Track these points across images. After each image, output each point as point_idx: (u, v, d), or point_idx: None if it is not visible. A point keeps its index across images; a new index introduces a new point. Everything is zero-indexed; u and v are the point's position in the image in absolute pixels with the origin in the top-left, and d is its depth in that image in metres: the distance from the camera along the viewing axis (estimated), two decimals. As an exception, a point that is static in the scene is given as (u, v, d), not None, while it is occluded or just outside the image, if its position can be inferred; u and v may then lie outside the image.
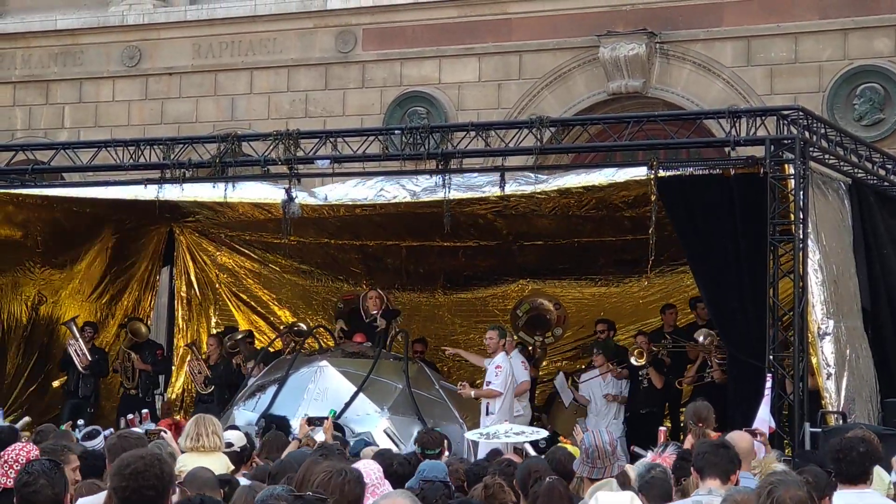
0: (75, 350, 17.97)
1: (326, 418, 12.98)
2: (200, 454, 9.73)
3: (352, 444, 12.09)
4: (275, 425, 13.86)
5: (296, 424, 13.79)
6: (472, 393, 15.15)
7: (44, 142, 21.54)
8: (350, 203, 16.10)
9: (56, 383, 18.51)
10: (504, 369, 14.94)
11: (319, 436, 12.59)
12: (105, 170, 16.71)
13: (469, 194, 15.12)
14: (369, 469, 6.96)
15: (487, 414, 14.89)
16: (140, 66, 23.52)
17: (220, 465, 9.67)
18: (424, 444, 10.57)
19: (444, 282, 19.01)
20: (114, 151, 16.40)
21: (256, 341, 19.13)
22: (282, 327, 19.15)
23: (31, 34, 24.24)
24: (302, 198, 15.56)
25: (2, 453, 6.71)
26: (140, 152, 16.13)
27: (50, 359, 18.72)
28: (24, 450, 6.61)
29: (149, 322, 19.63)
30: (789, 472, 6.44)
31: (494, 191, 14.84)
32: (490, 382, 14.98)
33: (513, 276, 18.74)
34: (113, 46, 23.69)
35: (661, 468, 8.44)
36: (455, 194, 14.80)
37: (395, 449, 12.42)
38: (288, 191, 15.41)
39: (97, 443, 11.34)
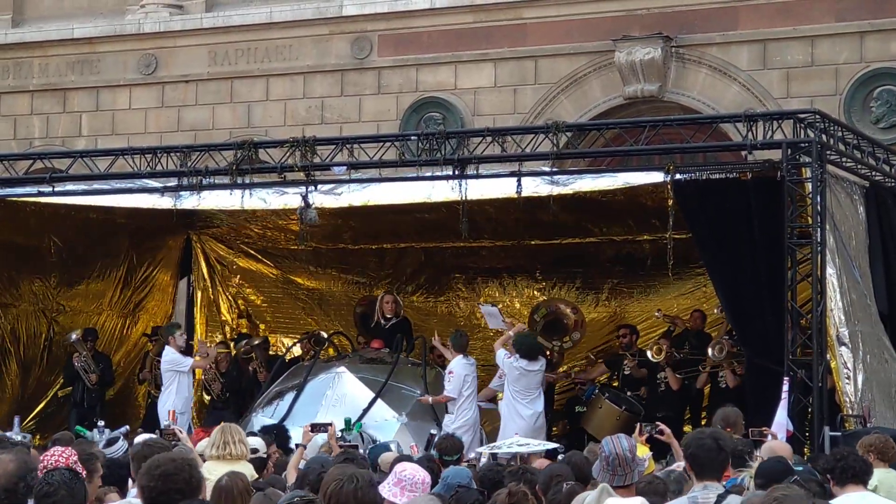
0: (83, 367, 17.98)
1: (330, 424, 12.96)
2: (227, 462, 9.77)
3: (368, 450, 12.09)
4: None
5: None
6: (430, 399, 15.62)
7: (61, 150, 21.59)
8: (361, 205, 16.15)
9: (61, 392, 18.51)
10: (455, 374, 15.39)
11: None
12: (122, 177, 16.74)
13: (485, 195, 15.15)
14: (417, 470, 6.97)
15: (447, 412, 15.44)
16: (156, 74, 23.57)
17: (246, 473, 9.69)
18: (443, 449, 10.56)
19: (460, 285, 19.02)
20: (131, 159, 16.45)
21: (272, 348, 19.17)
22: (299, 334, 19.18)
23: (49, 43, 24.30)
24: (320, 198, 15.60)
25: (41, 457, 6.70)
26: (157, 160, 16.17)
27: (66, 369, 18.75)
28: (62, 455, 6.57)
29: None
30: (792, 487, 6.39)
31: (511, 193, 14.82)
32: (444, 387, 15.54)
33: (526, 278, 18.65)
34: (129, 54, 23.75)
35: (678, 473, 8.46)
36: (471, 195, 14.84)
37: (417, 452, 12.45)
38: (305, 197, 15.44)
39: (116, 449, 11.35)
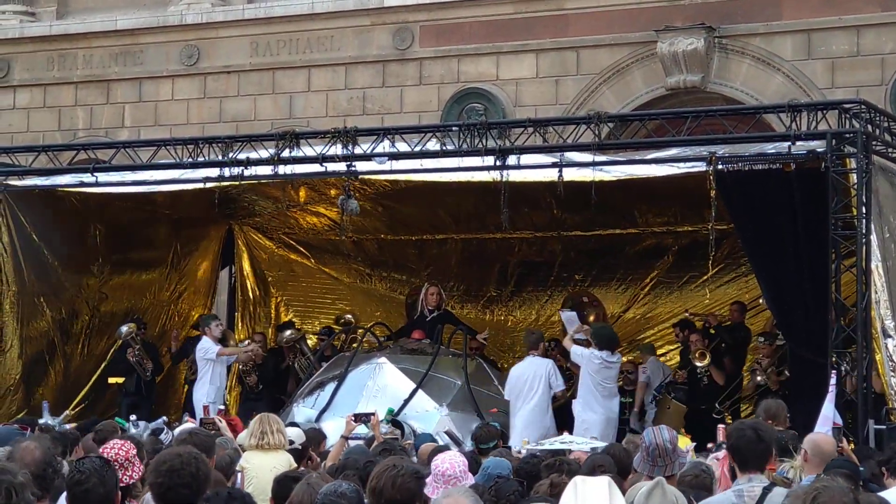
0: (137, 360, 18.03)
1: (373, 414, 12.95)
2: (265, 452, 9.80)
3: (416, 441, 12.10)
4: None
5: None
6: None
7: (105, 141, 21.75)
8: (405, 180, 16.09)
9: (112, 380, 18.56)
10: (509, 375, 15.31)
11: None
12: (165, 168, 16.82)
13: (527, 178, 15.05)
14: (455, 462, 6.97)
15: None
16: (199, 65, 23.67)
17: (284, 462, 9.73)
18: (478, 438, 10.62)
19: (496, 285, 18.92)
20: (173, 150, 16.52)
21: (309, 339, 19.20)
22: (339, 324, 19.21)
23: (92, 34, 24.46)
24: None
25: (100, 450, 6.77)
26: (199, 150, 16.23)
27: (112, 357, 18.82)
28: (122, 448, 6.62)
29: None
30: (836, 478, 6.30)
31: (552, 177, 14.70)
32: None
33: (565, 270, 18.55)
34: (172, 46, 23.87)
35: (705, 467, 8.43)
36: (513, 178, 14.75)
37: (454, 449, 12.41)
38: (346, 188, 15.45)
39: (162, 440, 11.43)
